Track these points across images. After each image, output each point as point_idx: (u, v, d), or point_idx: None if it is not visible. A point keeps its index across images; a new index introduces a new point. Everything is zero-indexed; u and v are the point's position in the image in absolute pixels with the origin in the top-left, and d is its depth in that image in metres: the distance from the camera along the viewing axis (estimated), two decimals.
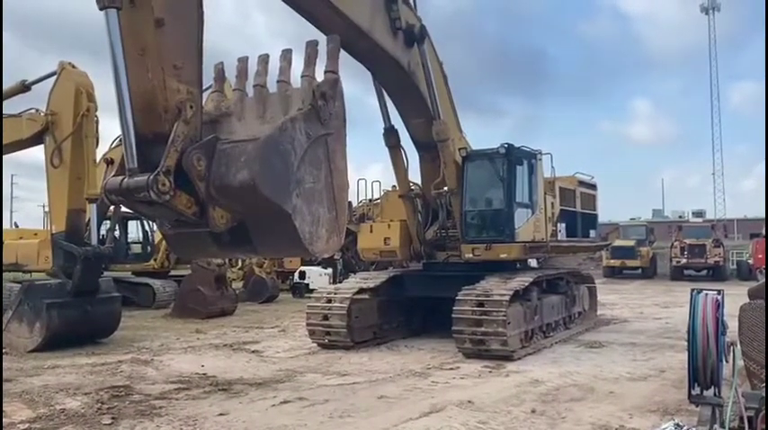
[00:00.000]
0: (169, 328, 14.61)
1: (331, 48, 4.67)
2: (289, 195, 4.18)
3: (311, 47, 4.60)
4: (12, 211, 63.38)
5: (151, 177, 3.93)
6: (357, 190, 13.79)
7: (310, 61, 4.60)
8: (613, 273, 33.32)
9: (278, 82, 4.67)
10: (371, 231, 13.28)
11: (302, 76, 4.59)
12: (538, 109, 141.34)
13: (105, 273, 14.91)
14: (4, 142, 12.01)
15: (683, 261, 31.40)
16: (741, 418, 4.68)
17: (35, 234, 21.44)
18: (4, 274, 18.76)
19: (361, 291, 11.91)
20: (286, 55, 4.68)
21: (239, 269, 24.07)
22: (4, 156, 13.15)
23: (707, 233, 32.50)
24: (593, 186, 15.97)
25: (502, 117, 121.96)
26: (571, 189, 14.56)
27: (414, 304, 12.90)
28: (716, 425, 4.79)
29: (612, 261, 33.18)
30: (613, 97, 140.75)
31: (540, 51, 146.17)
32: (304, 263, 23.45)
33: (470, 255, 11.72)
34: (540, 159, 12.56)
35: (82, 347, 11.30)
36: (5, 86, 11.63)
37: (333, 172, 4.62)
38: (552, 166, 13.21)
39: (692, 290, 5.00)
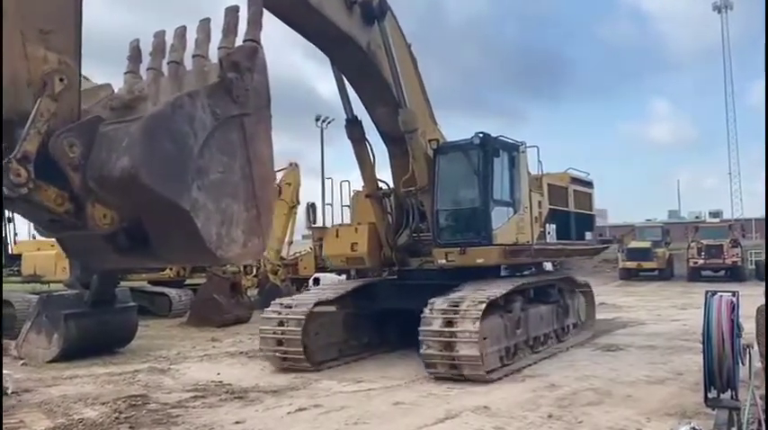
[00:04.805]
0: (185, 337, 14.68)
1: (252, 12, 4.00)
2: (186, 187, 3.46)
3: (231, 14, 3.97)
4: (30, 223, 64.07)
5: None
6: (323, 190, 12.94)
7: (230, 30, 3.97)
8: (629, 275, 33.01)
9: (193, 56, 4.09)
10: (337, 236, 11.87)
11: (219, 48, 3.97)
12: (556, 111, 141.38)
13: (121, 283, 15.06)
14: None
15: (701, 262, 31.08)
16: (759, 421, 4.63)
17: (52, 245, 21.64)
18: (23, 286, 19.05)
19: (320, 304, 10.46)
20: (204, 26, 4.10)
21: (254, 277, 24.20)
22: None
23: (724, 233, 32.14)
24: (589, 184, 14.58)
25: (520, 120, 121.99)
26: (563, 186, 13.15)
27: (387, 316, 11.48)
28: (733, 429, 4.74)
29: (628, 263, 32.88)
30: (632, 98, 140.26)
31: (559, 54, 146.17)
32: (318, 269, 23.49)
33: (443, 261, 10.40)
34: (524, 152, 11.25)
35: (99, 357, 11.38)
36: None
37: (252, 161, 3.87)
38: (539, 161, 12.01)
39: (707, 292, 4.97)
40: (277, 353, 10.04)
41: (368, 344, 11.52)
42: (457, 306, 8.95)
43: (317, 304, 10.32)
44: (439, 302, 9.13)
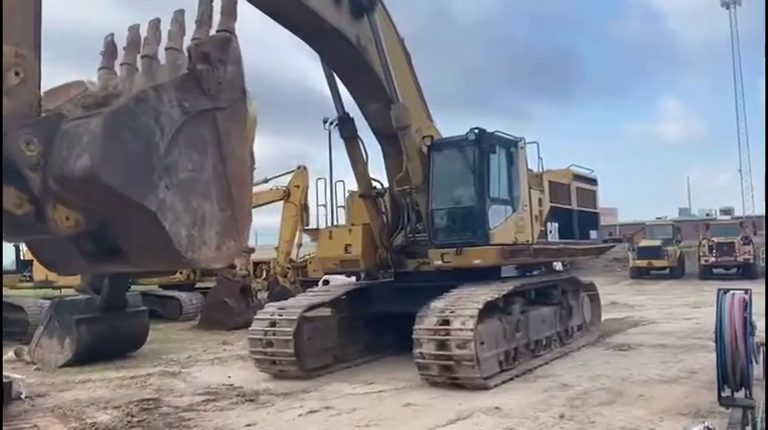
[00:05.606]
0: (196, 340, 14.75)
1: (227, 1, 3.78)
2: (152, 187, 3.22)
3: (205, 4, 3.75)
4: None
5: None
6: (317, 191, 12.41)
7: (203, 22, 3.74)
8: (640, 274, 32.90)
9: (166, 49, 3.87)
10: (331, 238, 11.43)
11: (192, 39, 3.73)
12: (565, 110, 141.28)
13: (132, 288, 15.14)
14: None
15: (712, 260, 30.91)
16: None
17: None
18: (35, 291, 19.21)
19: (314, 307, 10.20)
20: (177, 17, 3.88)
21: (263, 279, 24.29)
22: None
23: (735, 231, 31.94)
24: (593, 181, 13.97)
25: (528, 119, 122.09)
26: (565, 184, 12.59)
27: (385, 320, 10.99)
28: (748, 428, 4.70)
29: (639, 261, 32.79)
30: (641, 96, 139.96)
31: (567, 53, 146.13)
32: (327, 271, 23.51)
33: (440, 262, 9.98)
34: (523, 148, 10.80)
35: (111, 361, 11.44)
36: None
37: (227, 159, 3.63)
38: (540, 157, 11.57)
39: (719, 290, 4.93)
40: (268, 360, 9.74)
41: (366, 348, 11.19)
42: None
43: (309, 308, 10.03)
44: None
